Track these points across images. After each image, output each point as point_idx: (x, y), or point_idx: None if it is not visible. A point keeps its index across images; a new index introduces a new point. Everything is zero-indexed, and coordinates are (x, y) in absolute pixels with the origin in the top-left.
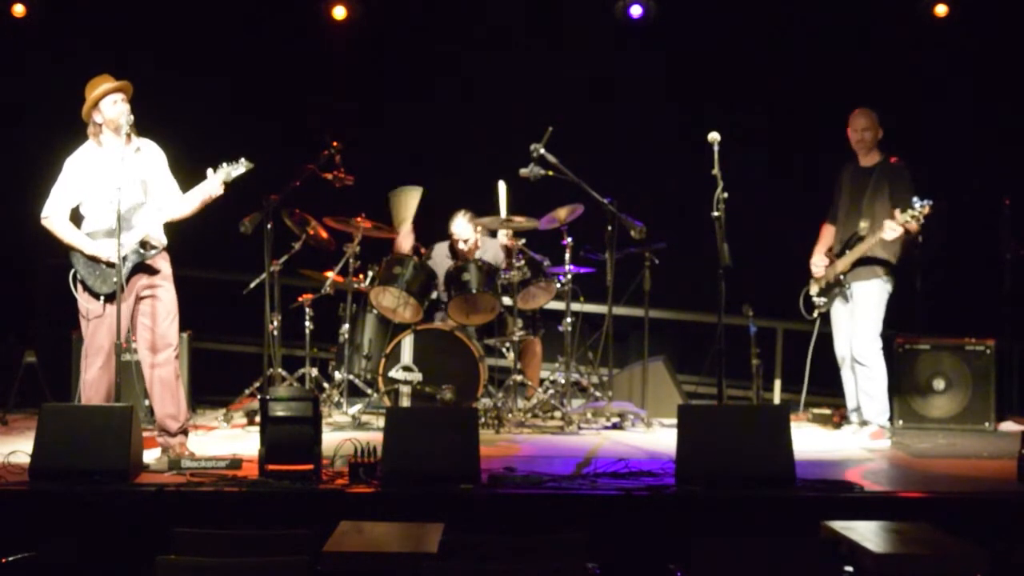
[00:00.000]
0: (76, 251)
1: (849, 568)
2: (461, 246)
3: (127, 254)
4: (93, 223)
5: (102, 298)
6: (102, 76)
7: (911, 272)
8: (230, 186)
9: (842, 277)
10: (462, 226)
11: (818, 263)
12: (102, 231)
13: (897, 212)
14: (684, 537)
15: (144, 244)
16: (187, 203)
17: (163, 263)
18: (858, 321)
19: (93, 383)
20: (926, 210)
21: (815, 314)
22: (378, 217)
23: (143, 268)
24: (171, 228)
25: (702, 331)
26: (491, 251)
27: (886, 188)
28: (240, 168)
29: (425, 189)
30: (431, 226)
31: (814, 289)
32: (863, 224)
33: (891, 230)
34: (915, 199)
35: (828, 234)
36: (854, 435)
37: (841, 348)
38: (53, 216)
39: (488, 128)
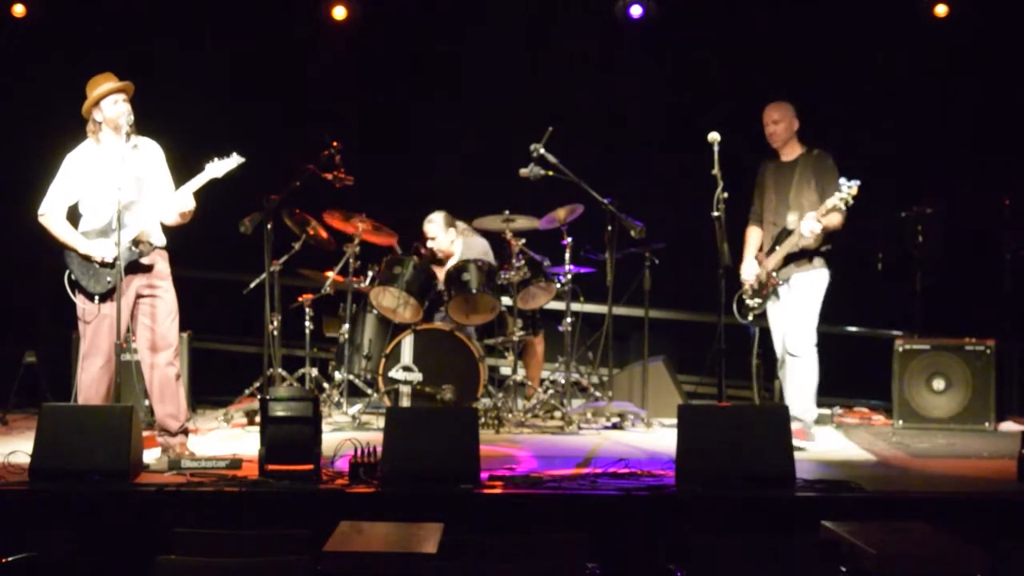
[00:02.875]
0: (70, 250)
1: (843, 568)
2: (430, 244)
3: (119, 252)
4: (89, 222)
5: (97, 298)
6: (105, 74)
7: (911, 272)
8: (222, 182)
9: (774, 275)
10: (433, 225)
11: (748, 270)
12: (96, 230)
13: (815, 210)
14: (684, 537)
15: (137, 242)
16: (178, 201)
17: (162, 262)
18: (793, 312)
19: (92, 384)
20: (854, 191)
21: (750, 317)
22: (378, 217)
23: (140, 267)
24: (171, 228)
25: (702, 331)
26: (475, 251)
27: (812, 180)
28: (231, 163)
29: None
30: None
31: (747, 290)
32: (791, 217)
33: (809, 231)
34: (842, 180)
35: (755, 237)
36: None
37: (780, 349)
38: (50, 214)
39: (488, 128)
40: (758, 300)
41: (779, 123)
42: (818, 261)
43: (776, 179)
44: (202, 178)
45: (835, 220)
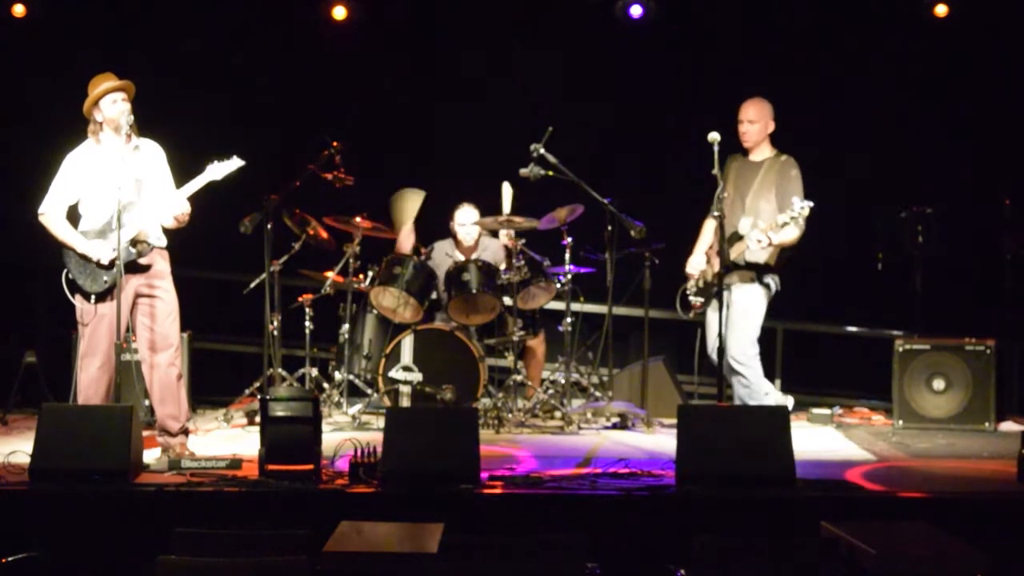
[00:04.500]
0: (69, 249)
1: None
2: (461, 234)
3: (118, 252)
4: (88, 222)
5: (93, 298)
6: (105, 74)
7: (911, 272)
8: (223, 184)
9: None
10: (467, 214)
11: (695, 264)
12: (95, 230)
13: (771, 219)
14: (684, 537)
15: (135, 243)
16: (174, 204)
17: (162, 262)
18: (734, 325)
19: (92, 384)
20: (806, 212)
21: (691, 314)
22: (378, 217)
23: (139, 268)
24: (171, 229)
25: (702, 331)
26: (491, 251)
27: (773, 187)
28: (232, 165)
29: (426, 193)
30: (431, 226)
31: (691, 287)
32: (745, 221)
33: (756, 243)
34: (795, 199)
35: (707, 231)
36: None
37: (713, 347)
38: (50, 213)
39: (488, 128)
40: (701, 299)
41: (755, 123)
42: (762, 276)
43: (738, 177)
44: (201, 180)
45: (789, 236)
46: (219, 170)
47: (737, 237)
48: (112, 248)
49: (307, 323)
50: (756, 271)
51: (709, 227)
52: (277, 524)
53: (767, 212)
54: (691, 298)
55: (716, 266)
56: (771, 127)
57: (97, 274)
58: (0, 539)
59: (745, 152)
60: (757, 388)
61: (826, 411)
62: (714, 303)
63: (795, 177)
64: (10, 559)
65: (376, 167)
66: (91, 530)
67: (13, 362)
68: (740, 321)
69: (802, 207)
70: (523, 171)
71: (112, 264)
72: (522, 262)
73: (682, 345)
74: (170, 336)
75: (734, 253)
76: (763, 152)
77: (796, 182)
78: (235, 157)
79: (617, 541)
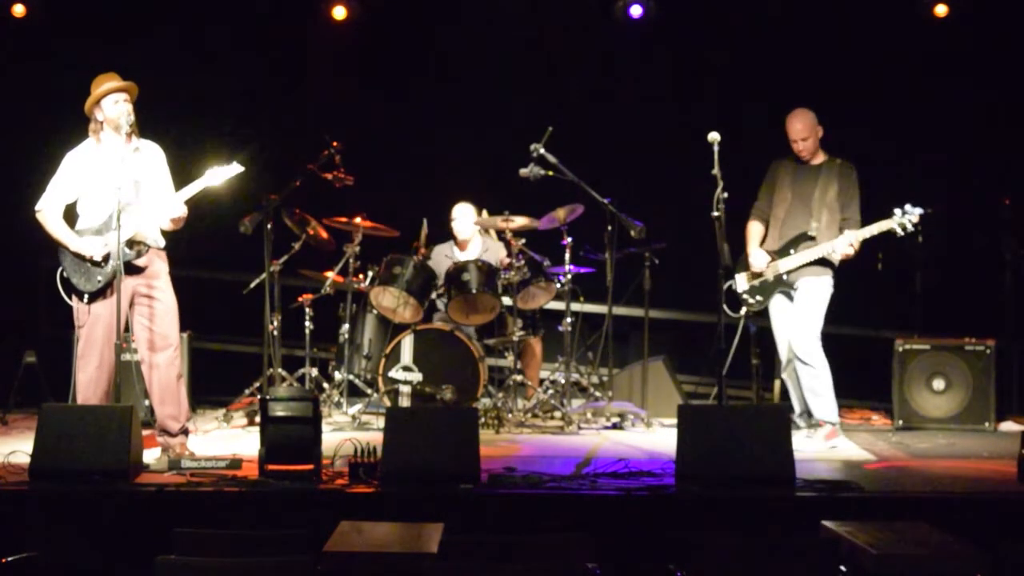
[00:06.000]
0: (63, 247)
1: (842, 568)
2: (456, 228)
3: (116, 252)
4: (85, 221)
5: (87, 298)
6: (109, 74)
7: (911, 272)
8: (224, 187)
9: (785, 276)
10: (462, 209)
11: (760, 260)
12: (92, 229)
13: (836, 221)
14: (684, 537)
15: (132, 243)
16: (170, 207)
17: (159, 262)
18: (801, 318)
19: (90, 384)
20: (915, 219)
21: (743, 311)
22: (378, 217)
23: (136, 268)
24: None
25: (702, 331)
26: (493, 253)
27: (834, 190)
28: (231, 171)
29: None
30: (431, 229)
31: (743, 285)
32: (815, 224)
33: (847, 245)
34: (907, 205)
35: (758, 232)
36: (808, 439)
37: (785, 350)
38: (47, 210)
39: (488, 127)
40: (759, 298)
41: (808, 138)
42: (828, 270)
43: (795, 181)
44: (198, 185)
45: (855, 245)
46: (218, 175)
47: (806, 238)
48: (105, 244)
49: (307, 323)
50: (823, 267)
51: (757, 228)
52: (277, 524)
53: (831, 214)
54: (747, 298)
55: (781, 267)
56: (820, 133)
57: (91, 273)
58: (0, 539)
59: (795, 157)
60: (826, 376)
61: None
62: (778, 303)
63: (856, 182)
64: (10, 559)
65: (376, 167)
66: (91, 530)
67: (13, 362)
68: (807, 311)
69: (910, 214)
70: (523, 171)
71: (105, 260)
72: (522, 262)
73: (682, 345)
74: (169, 336)
75: (811, 255)
76: (817, 156)
77: (857, 186)
78: (235, 163)
79: (617, 541)
